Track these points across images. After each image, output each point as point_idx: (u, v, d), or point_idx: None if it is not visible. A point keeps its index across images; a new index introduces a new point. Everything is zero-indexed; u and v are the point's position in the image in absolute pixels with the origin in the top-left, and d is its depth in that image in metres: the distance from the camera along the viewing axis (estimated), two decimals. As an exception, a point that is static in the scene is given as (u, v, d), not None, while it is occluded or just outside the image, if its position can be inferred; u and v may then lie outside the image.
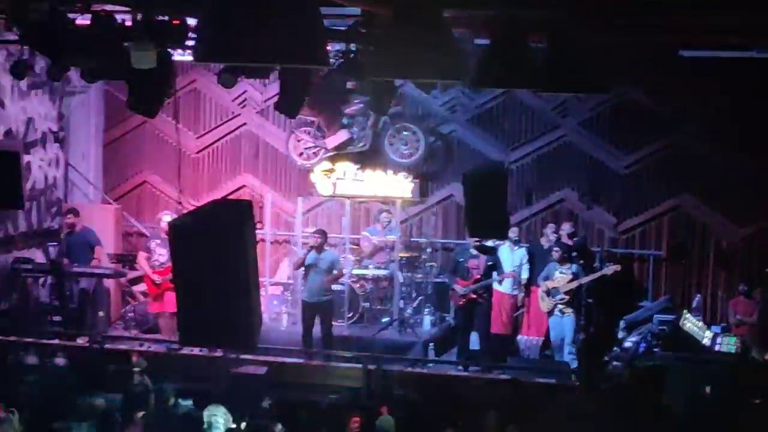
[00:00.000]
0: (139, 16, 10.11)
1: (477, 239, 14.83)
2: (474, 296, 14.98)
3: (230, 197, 17.18)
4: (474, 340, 15.29)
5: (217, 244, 7.22)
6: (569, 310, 14.86)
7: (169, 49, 10.91)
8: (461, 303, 15.11)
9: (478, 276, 14.97)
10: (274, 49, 4.82)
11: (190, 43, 10.76)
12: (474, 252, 15.06)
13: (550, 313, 14.97)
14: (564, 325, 14.90)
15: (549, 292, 14.87)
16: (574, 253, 15.19)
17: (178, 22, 10.35)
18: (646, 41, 14.04)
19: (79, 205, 17.36)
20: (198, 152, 18.40)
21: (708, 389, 12.38)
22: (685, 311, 14.81)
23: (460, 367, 14.70)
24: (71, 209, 16.38)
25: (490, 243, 15.37)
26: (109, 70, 10.75)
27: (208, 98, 18.34)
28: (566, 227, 16.02)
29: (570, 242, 15.72)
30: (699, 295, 16.21)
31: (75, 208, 16.50)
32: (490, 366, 14.38)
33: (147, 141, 18.65)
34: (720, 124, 16.29)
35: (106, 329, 15.98)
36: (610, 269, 14.98)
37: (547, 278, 14.95)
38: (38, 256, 16.63)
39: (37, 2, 9.58)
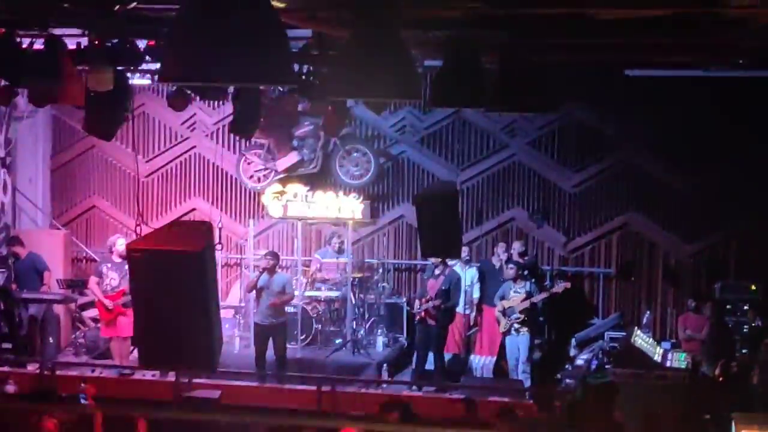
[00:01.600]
0: (93, 39, 10.07)
1: (430, 258, 14.91)
2: (425, 315, 15.00)
3: (181, 219, 17.11)
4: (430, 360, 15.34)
5: (177, 266, 7.21)
6: (524, 329, 14.93)
7: (124, 72, 10.89)
8: (416, 320, 15.19)
9: (431, 297, 15.02)
10: (242, 69, 4.84)
11: (144, 66, 10.76)
12: (437, 272, 15.08)
13: (507, 332, 15.02)
14: (519, 343, 14.96)
15: (504, 312, 14.94)
16: (526, 272, 15.27)
17: (132, 44, 10.32)
18: (591, 61, 14.22)
19: (27, 231, 17.22)
20: (147, 176, 18.30)
21: (660, 407, 12.48)
22: (635, 328, 14.94)
23: (414, 388, 14.71)
24: (14, 238, 16.24)
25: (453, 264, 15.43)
26: (64, 94, 10.70)
27: (156, 121, 18.26)
28: (517, 246, 16.13)
29: (521, 261, 15.82)
30: (649, 312, 16.38)
31: (18, 236, 16.35)
32: (444, 385, 14.40)
33: (95, 165, 18.54)
34: (666, 141, 16.51)
35: (57, 356, 15.81)
36: (560, 287, 15.08)
37: (502, 297, 15.02)
38: (-15, 283, 16.43)
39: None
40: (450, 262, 15.30)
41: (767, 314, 15.32)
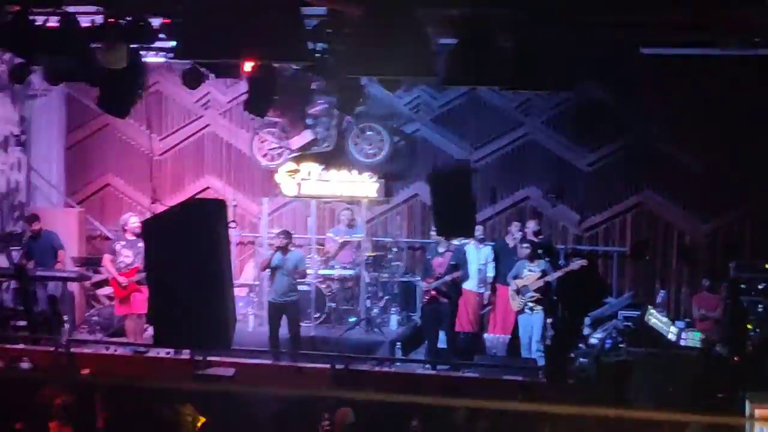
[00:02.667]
0: (109, 17, 10.06)
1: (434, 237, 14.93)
2: (435, 293, 15.01)
3: (195, 197, 17.11)
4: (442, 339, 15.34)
5: (191, 244, 7.21)
6: (538, 308, 14.93)
7: (138, 50, 10.89)
8: (426, 300, 15.17)
9: (440, 274, 15.02)
10: (257, 47, 4.84)
11: (158, 44, 10.75)
12: (441, 250, 15.10)
13: (520, 311, 15.02)
14: (533, 322, 14.97)
15: (519, 291, 14.93)
16: (540, 251, 15.25)
17: (146, 22, 10.31)
18: (607, 38, 14.14)
19: (42, 209, 17.25)
20: (161, 154, 18.33)
21: (673, 386, 12.48)
22: (649, 307, 14.91)
23: (428, 366, 14.73)
24: (33, 215, 16.26)
25: (456, 242, 15.45)
26: (79, 70, 10.70)
27: (171, 100, 18.27)
28: (532, 225, 16.09)
29: (536, 240, 15.79)
30: (663, 291, 16.35)
31: (36, 213, 16.38)
32: (457, 363, 14.42)
33: (109, 144, 18.56)
34: (682, 121, 16.43)
35: (71, 333, 15.87)
36: (577, 264, 15.05)
37: (516, 276, 15.01)
38: (1, 261, 16.48)
39: (7, 3, 9.53)
40: (462, 240, 15.33)
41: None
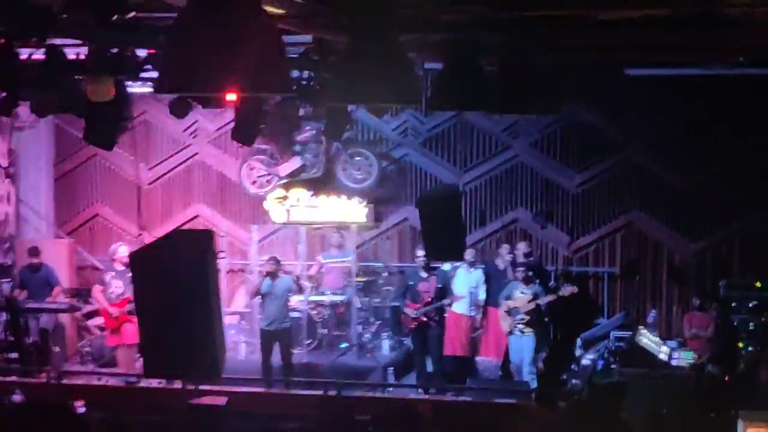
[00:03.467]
0: (92, 49, 10.08)
1: (425, 260, 14.94)
2: (425, 319, 15.02)
3: (184, 227, 17.12)
4: (429, 363, 15.34)
5: (180, 275, 7.21)
6: (529, 330, 14.91)
7: (124, 81, 10.90)
8: (413, 326, 15.15)
9: (429, 299, 15.04)
10: (238, 79, 4.84)
11: (144, 74, 10.76)
12: (424, 275, 15.13)
13: (511, 332, 15.02)
14: (523, 344, 14.95)
15: (510, 312, 14.93)
16: (530, 273, 15.26)
17: (130, 54, 10.32)
18: (593, 61, 14.21)
19: (32, 241, 17.22)
20: (150, 183, 18.33)
21: (666, 406, 12.47)
22: (640, 327, 14.94)
23: (420, 391, 14.70)
24: (35, 248, 16.23)
25: (447, 265, 15.49)
26: (65, 104, 10.70)
27: (159, 129, 18.29)
28: (522, 247, 16.10)
29: (527, 262, 15.79)
30: (654, 311, 16.36)
31: (37, 246, 16.34)
32: (449, 387, 14.39)
33: (98, 174, 18.57)
34: (668, 140, 16.50)
35: (63, 364, 15.83)
36: (567, 290, 15.03)
37: (508, 297, 15.01)
38: (-10, 294, 16.45)
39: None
40: (455, 264, 15.36)
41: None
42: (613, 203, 17.03)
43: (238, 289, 17.73)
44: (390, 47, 7.26)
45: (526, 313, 14.83)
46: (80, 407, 11.59)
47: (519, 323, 14.87)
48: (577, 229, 17.16)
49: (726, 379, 13.55)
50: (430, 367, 15.20)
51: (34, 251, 16.13)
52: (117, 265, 15.11)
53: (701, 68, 14.75)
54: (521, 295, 14.92)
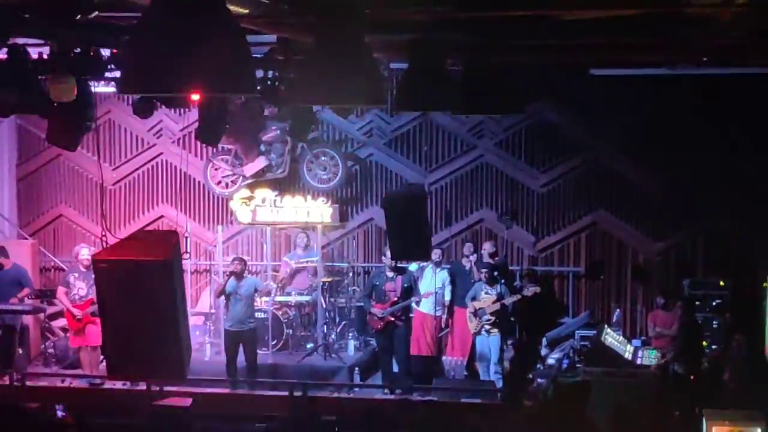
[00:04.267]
0: (56, 49, 10.00)
1: (391, 260, 14.94)
2: (392, 319, 15.02)
3: (149, 228, 17.06)
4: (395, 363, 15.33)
5: (144, 276, 7.17)
6: (495, 330, 14.93)
7: (87, 81, 10.82)
8: (380, 326, 15.14)
9: (396, 298, 15.03)
10: (201, 79, 4.81)
11: (107, 74, 10.69)
12: (390, 275, 15.13)
13: (477, 333, 15.03)
14: (490, 344, 14.96)
15: (476, 313, 14.94)
16: (496, 273, 15.29)
17: (94, 53, 10.25)
18: (557, 61, 14.27)
19: (-1, 241, 17.11)
20: (114, 183, 18.23)
21: (631, 405, 12.53)
22: (605, 326, 15.01)
23: (386, 391, 14.69)
24: (0, 248, 16.07)
25: (414, 265, 15.50)
26: (27, 104, 10.62)
27: (123, 129, 18.20)
28: (487, 247, 16.11)
29: (492, 261, 15.82)
30: (618, 310, 16.45)
31: (3, 247, 16.17)
32: (414, 387, 14.39)
33: (61, 174, 18.46)
34: (632, 140, 16.59)
35: (26, 366, 15.70)
36: (530, 291, 15.04)
37: (474, 298, 15.02)
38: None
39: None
40: (422, 263, 15.39)
41: (737, 310, 15.44)
42: (577, 203, 17.10)
43: (204, 289, 17.67)
44: (355, 47, 7.25)
45: (492, 314, 14.85)
46: (60, 411, 11.54)
47: (485, 324, 14.89)
48: (542, 229, 17.22)
49: (690, 377, 13.64)
50: (395, 368, 15.19)
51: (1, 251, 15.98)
52: (80, 267, 15.01)
53: (665, 68, 14.84)
54: (486, 296, 14.93)
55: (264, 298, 15.71)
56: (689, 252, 16.76)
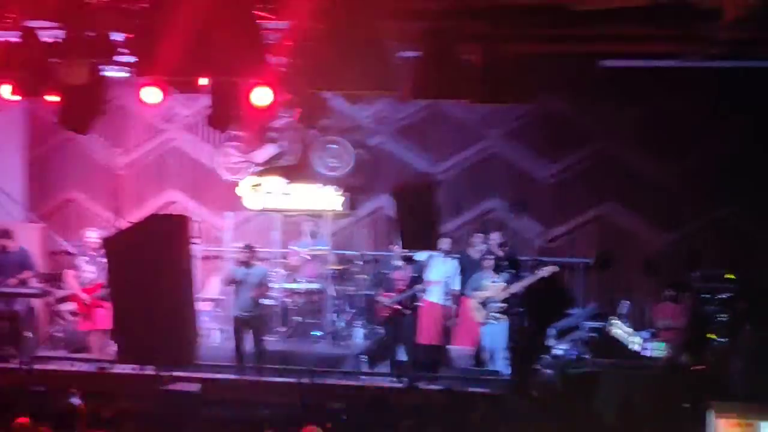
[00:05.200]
0: (69, 33, 10.01)
1: (400, 249, 14.95)
2: (399, 308, 15.02)
3: (159, 213, 17.06)
4: (402, 351, 15.35)
5: (154, 261, 7.19)
6: (503, 317, 14.93)
7: (99, 65, 10.84)
8: (387, 315, 15.15)
9: (403, 287, 15.03)
10: (215, 63, 4.83)
11: (119, 58, 10.71)
12: (398, 263, 15.13)
13: (485, 323, 15.01)
14: (498, 333, 14.96)
15: (484, 303, 14.92)
16: (506, 263, 15.28)
17: (106, 37, 10.27)
18: (568, 51, 14.25)
19: (4, 225, 17.11)
20: (124, 169, 18.23)
21: (638, 396, 12.53)
22: (613, 318, 14.99)
23: (394, 379, 14.71)
24: (4, 231, 16.09)
25: (424, 255, 15.51)
26: (39, 87, 10.64)
27: (134, 114, 18.17)
28: (496, 237, 16.08)
29: (500, 252, 15.81)
30: (627, 302, 16.40)
31: (8, 229, 16.21)
32: (422, 376, 14.40)
33: (72, 159, 18.44)
34: (642, 131, 16.56)
35: (35, 350, 15.74)
36: (547, 270, 15.00)
37: (476, 289, 15.00)
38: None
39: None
40: (430, 253, 15.39)
41: (746, 302, 15.40)
42: (587, 194, 17.07)
43: (212, 275, 17.67)
44: (367, 35, 7.25)
45: (502, 302, 14.83)
46: (75, 399, 11.55)
47: (494, 312, 14.87)
48: (551, 220, 17.19)
49: (697, 369, 13.61)
50: (403, 356, 15.21)
51: (2, 234, 15.99)
52: (89, 251, 15.03)
53: (676, 60, 14.81)
54: (494, 285, 14.92)
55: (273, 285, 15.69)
56: (698, 244, 16.72)
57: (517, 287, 14.95)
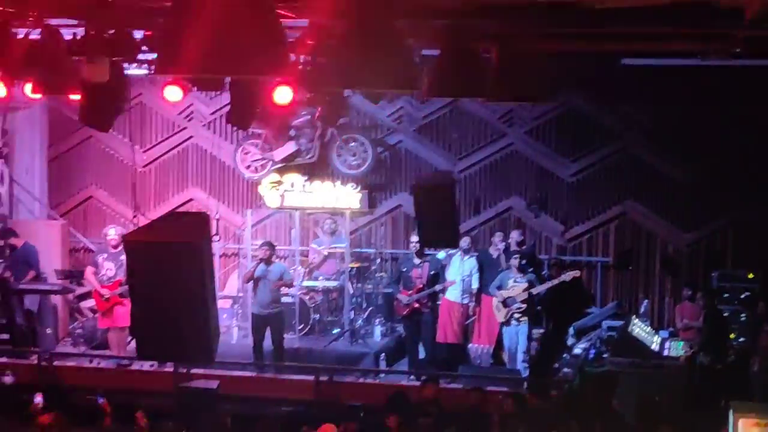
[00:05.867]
0: (91, 30, 10.04)
1: (418, 247, 14.95)
2: (417, 305, 15.03)
3: (178, 210, 17.13)
4: (421, 349, 15.34)
5: (174, 258, 7.19)
6: (524, 319, 14.91)
7: (121, 63, 10.87)
8: (405, 313, 15.16)
9: (421, 285, 15.04)
10: (238, 61, 4.83)
11: (141, 56, 10.74)
12: (417, 261, 15.13)
13: (506, 322, 14.99)
14: (518, 333, 14.95)
15: (505, 302, 14.91)
16: (524, 261, 15.26)
17: (128, 35, 10.30)
18: (589, 50, 14.21)
19: (24, 222, 17.20)
20: (145, 166, 18.31)
21: (657, 396, 12.50)
22: (633, 317, 14.94)
23: (412, 377, 14.71)
24: (8, 230, 16.19)
25: (442, 253, 15.54)
26: (61, 85, 10.67)
27: (154, 112, 18.26)
28: (515, 235, 16.09)
29: (519, 250, 15.79)
30: (646, 301, 16.41)
31: (11, 228, 16.30)
32: (441, 374, 14.39)
33: (92, 156, 18.54)
34: (663, 131, 16.52)
35: (54, 346, 15.82)
36: (569, 275, 15.00)
37: (500, 287, 14.99)
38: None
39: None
40: (450, 251, 15.41)
41: (766, 302, 15.34)
42: (607, 193, 17.05)
43: (232, 273, 17.72)
44: (388, 32, 7.23)
45: (522, 302, 14.82)
46: (100, 398, 11.62)
47: (515, 312, 14.86)
48: (571, 219, 17.17)
49: (717, 369, 13.57)
50: (421, 354, 15.21)
51: (6, 233, 16.08)
52: (110, 248, 15.09)
53: (698, 59, 14.74)
54: (516, 284, 14.90)
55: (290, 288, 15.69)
56: (718, 243, 16.69)
57: (539, 289, 14.91)
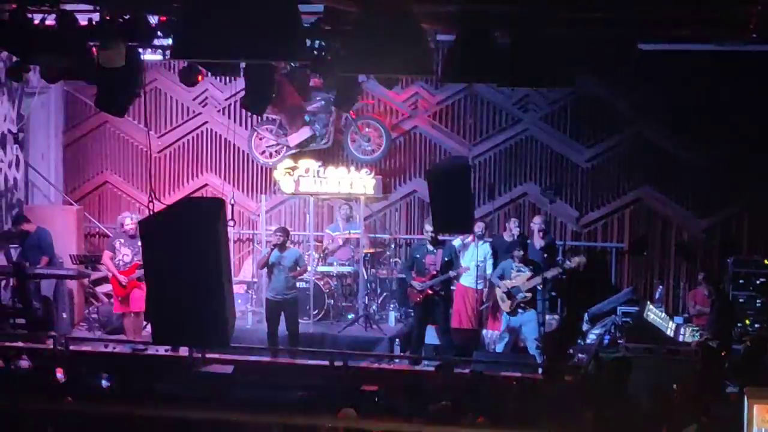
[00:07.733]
0: (106, 15, 10.06)
1: (433, 233, 14.93)
2: (431, 292, 15.03)
3: (193, 196, 17.16)
4: (434, 336, 15.33)
5: (189, 242, 7.20)
6: (530, 307, 14.86)
7: (136, 48, 10.88)
8: (419, 299, 15.16)
9: (435, 272, 15.04)
10: (254, 45, 4.83)
11: (156, 41, 10.75)
12: (430, 248, 15.12)
13: (512, 312, 14.94)
14: (529, 319, 14.91)
15: (509, 293, 14.84)
16: (546, 255, 15.26)
17: (143, 20, 10.31)
18: (605, 34, 14.15)
19: (40, 207, 17.27)
20: (159, 151, 18.33)
21: (672, 382, 12.47)
22: (648, 303, 14.92)
23: (426, 362, 14.71)
24: (20, 216, 16.24)
25: (458, 241, 15.54)
26: (77, 69, 10.70)
27: (168, 97, 18.28)
28: (538, 221, 16.00)
29: (542, 238, 15.75)
30: (661, 287, 16.37)
31: (24, 215, 16.35)
32: (455, 360, 14.39)
33: (108, 141, 18.58)
34: (679, 116, 16.45)
35: (70, 331, 15.88)
36: (575, 261, 14.96)
37: (502, 277, 14.94)
38: (0, 259, 16.48)
39: (4, 2, 9.52)
40: (464, 237, 15.41)
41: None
42: (622, 178, 17.01)
43: (246, 258, 17.76)
44: (403, 18, 7.23)
45: (528, 291, 14.75)
46: (105, 381, 11.65)
47: (521, 302, 14.80)
48: (586, 204, 17.14)
49: (723, 354, 13.54)
50: (432, 340, 15.21)
51: (19, 219, 16.14)
52: (125, 233, 15.13)
53: (714, 44, 14.70)
54: (519, 274, 14.84)
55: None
56: (734, 229, 16.64)
57: (541, 279, 14.81)
